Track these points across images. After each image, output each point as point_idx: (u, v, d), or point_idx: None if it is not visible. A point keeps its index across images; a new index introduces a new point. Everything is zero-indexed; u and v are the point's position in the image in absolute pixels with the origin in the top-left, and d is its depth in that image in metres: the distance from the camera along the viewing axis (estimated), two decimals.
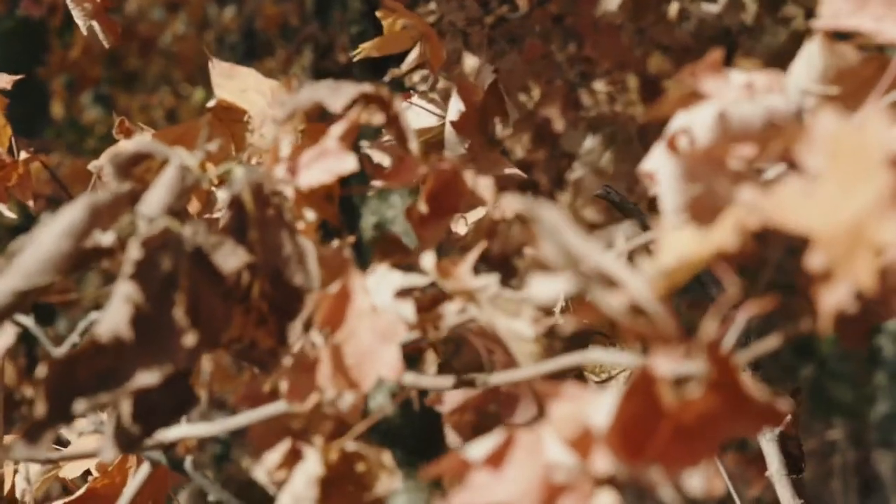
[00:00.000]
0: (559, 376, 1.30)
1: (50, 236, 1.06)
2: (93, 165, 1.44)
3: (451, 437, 3.86)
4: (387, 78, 1.60)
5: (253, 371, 1.17)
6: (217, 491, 1.41)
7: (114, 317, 1.04)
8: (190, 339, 1.05)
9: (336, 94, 1.20)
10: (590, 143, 3.53)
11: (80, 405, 1.02)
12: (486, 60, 3.58)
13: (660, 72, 4.12)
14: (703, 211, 0.99)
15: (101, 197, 1.08)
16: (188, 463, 1.40)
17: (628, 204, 2.20)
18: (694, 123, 1.04)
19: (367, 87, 1.21)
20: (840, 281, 0.86)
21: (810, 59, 1.16)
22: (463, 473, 0.93)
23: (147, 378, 1.03)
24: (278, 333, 1.15)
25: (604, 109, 3.67)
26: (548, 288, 0.93)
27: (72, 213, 1.06)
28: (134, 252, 1.06)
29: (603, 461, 0.89)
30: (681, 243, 0.92)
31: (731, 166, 1.02)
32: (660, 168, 1.04)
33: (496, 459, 0.93)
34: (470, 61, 3.54)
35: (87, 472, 1.55)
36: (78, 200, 1.07)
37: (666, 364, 0.89)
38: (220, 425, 1.35)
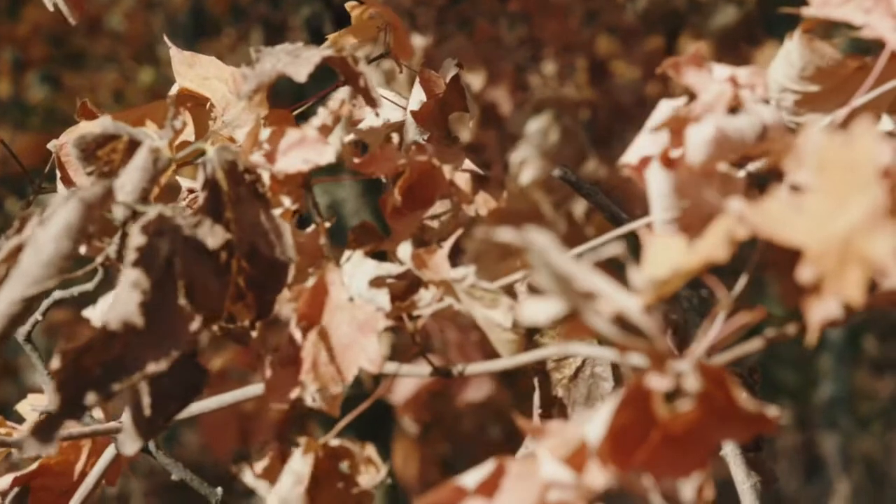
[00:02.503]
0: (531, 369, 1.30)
1: (48, 238, 1.05)
2: (52, 145, 1.43)
3: (407, 423, 3.85)
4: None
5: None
6: (179, 470, 1.40)
7: (124, 304, 1.03)
8: (195, 323, 1.05)
9: (299, 62, 1.19)
10: (535, 124, 3.53)
11: (91, 397, 1.02)
12: (433, 41, 3.58)
13: (608, 54, 4.12)
14: (694, 221, 1.00)
15: (92, 192, 1.07)
16: (151, 443, 1.39)
17: (585, 185, 2.19)
18: (690, 140, 1.03)
19: (329, 52, 1.21)
20: (830, 294, 0.86)
21: (789, 57, 1.16)
22: (456, 501, 0.93)
23: (157, 365, 1.03)
24: (257, 308, 1.15)
25: (551, 91, 3.67)
26: (540, 310, 0.93)
27: (67, 213, 1.06)
28: (136, 239, 1.05)
29: (597, 476, 0.90)
30: (670, 254, 0.92)
31: (721, 171, 1.02)
32: (652, 182, 1.04)
33: (489, 487, 0.93)
34: (418, 41, 3.53)
35: None
36: (70, 199, 1.06)
37: (658, 380, 0.89)
38: (192, 407, 1.34)
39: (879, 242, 0.85)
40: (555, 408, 1.30)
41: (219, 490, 1.37)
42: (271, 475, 1.19)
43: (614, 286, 0.91)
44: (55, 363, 1.02)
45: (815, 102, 1.17)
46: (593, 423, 0.90)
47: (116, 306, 1.04)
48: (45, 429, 1.02)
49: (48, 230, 1.05)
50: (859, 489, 6.42)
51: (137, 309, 1.04)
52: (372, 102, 1.19)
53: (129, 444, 1.07)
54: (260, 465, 1.20)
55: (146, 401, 1.07)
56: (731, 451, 1.57)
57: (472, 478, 0.93)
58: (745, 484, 1.52)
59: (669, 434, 0.90)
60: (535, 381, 1.31)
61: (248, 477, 1.21)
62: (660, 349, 0.90)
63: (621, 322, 0.91)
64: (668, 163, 1.04)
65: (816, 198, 0.88)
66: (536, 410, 1.32)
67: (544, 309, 0.92)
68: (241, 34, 4.44)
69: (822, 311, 0.87)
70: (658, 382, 0.89)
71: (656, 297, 0.92)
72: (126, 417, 1.07)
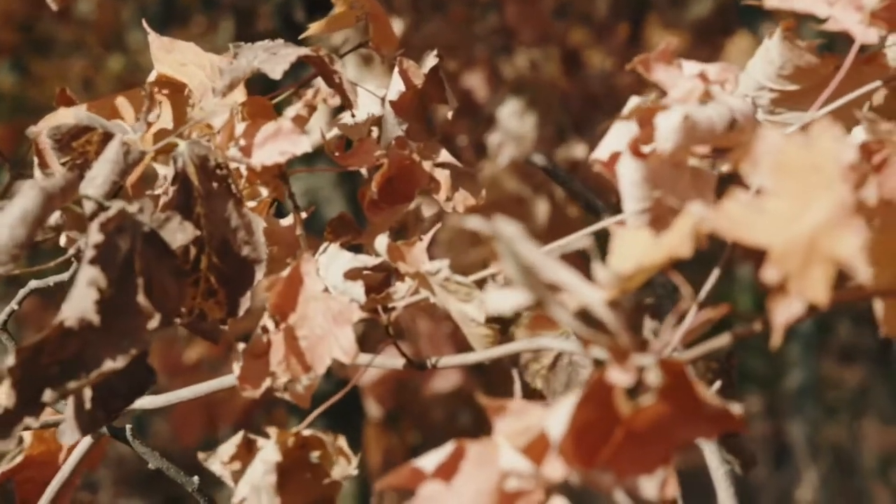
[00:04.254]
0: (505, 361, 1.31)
1: (3, 225, 1.04)
2: (30, 131, 1.42)
3: (372, 408, 3.84)
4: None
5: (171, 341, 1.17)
6: (156, 459, 1.40)
7: (80, 301, 1.03)
8: (153, 322, 1.04)
9: (276, 59, 1.20)
10: (510, 108, 3.52)
11: (48, 394, 1.02)
12: (409, 25, 3.57)
13: (581, 44, 4.12)
14: (665, 212, 1.00)
15: (53, 182, 1.07)
16: (128, 432, 1.39)
17: (559, 171, 2.20)
18: (659, 128, 1.03)
19: (306, 50, 1.21)
20: (794, 295, 0.86)
21: (768, 55, 1.16)
22: (414, 484, 0.93)
23: (115, 362, 1.03)
24: (228, 305, 1.15)
25: (525, 75, 3.67)
26: (505, 299, 0.93)
27: (25, 201, 1.05)
28: (94, 236, 1.05)
29: (556, 467, 0.90)
30: (636, 248, 0.92)
31: (691, 165, 1.03)
32: (622, 172, 1.04)
33: (448, 470, 0.92)
34: (395, 27, 3.51)
35: (20, 440, 1.54)
36: (29, 187, 1.06)
37: (620, 375, 0.89)
38: (165, 398, 1.34)
39: (845, 240, 0.85)
40: (535, 399, 1.30)
41: (195, 479, 1.37)
42: (238, 464, 1.19)
43: (579, 279, 0.91)
44: (11, 360, 1.02)
45: (792, 101, 1.18)
46: (555, 419, 0.89)
47: (73, 304, 1.03)
48: (3, 425, 1.02)
49: (4, 217, 1.04)
50: (827, 477, 6.45)
51: (94, 307, 1.03)
52: (348, 103, 1.20)
53: (69, 435, 1.06)
54: (226, 453, 1.20)
55: (90, 395, 1.06)
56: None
57: (431, 460, 0.93)
58: (719, 470, 1.53)
59: (633, 431, 0.89)
60: (514, 373, 1.32)
61: (215, 465, 1.21)
62: (622, 344, 0.90)
63: (586, 315, 0.91)
64: (639, 154, 1.05)
65: (778, 199, 0.88)
66: None
67: (509, 299, 0.93)
68: (211, 22, 4.42)
69: (786, 312, 0.87)
70: (619, 377, 0.89)
71: (621, 291, 0.92)
72: (69, 410, 1.07)
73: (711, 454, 1.51)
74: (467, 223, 0.93)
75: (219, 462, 1.19)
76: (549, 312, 0.91)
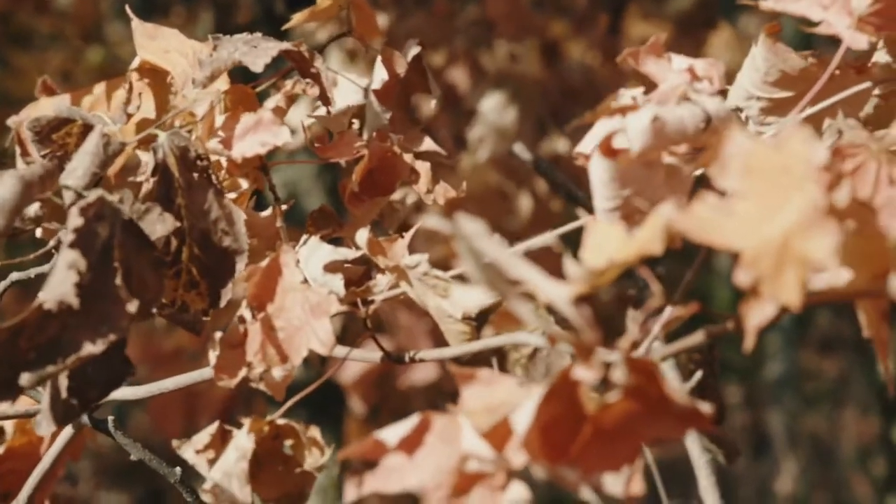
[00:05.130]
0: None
1: None
2: (12, 121, 1.42)
3: (356, 404, 3.83)
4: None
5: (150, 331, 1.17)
6: (138, 450, 1.40)
7: (60, 284, 1.02)
8: (132, 307, 1.04)
9: (257, 53, 1.20)
10: (491, 101, 3.52)
11: (25, 378, 1.01)
12: (393, 20, 3.57)
13: (560, 35, 4.12)
14: (636, 211, 1.00)
15: (31, 171, 1.07)
16: (110, 423, 1.39)
17: (542, 162, 2.19)
18: (629, 127, 1.03)
19: (287, 45, 1.21)
20: (767, 298, 0.86)
21: (754, 62, 1.16)
22: (378, 456, 0.92)
23: (93, 347, 1.02)
24: (210, 296, 1.15)
25: (507, 68, 3.67)
26: (470, 298, 0.93)
27: (2, 189, 1.05)
28: (74, 220, 1.04)
29: (517, 454, 0.89)
30: (607, 244, 0.92)
31: (667, 163, 1.03)
32: (593, 170, 1.04)
33: (411, 443, 0.92)
34: (380, 20, 3.51)
35: (1, 431, 1.54)
36: (7, 176, 1.06)
37: (584, 372, 0.89)
38: (146, 388, 1.34)
39: (818, 241, 0.84)
40: None
41: (177, 470, 1.36)
42: (211, 452, 1.19)
43: (544, 276, 0.91)
44: None
45: (782, 109, 1.18)
46: (520, 413, 0.89)
47: (52, 286, 1.03)
48: None
49: None
50: (806, 467, 6.47)
51: (73, 290, 1.02)
52: (325, 100, 1.19)
53: (45, 425, 1.06)
54: (201, 442, 1.20)
55: (66, 385, 1.06)
56: None
57: (395, 432, 0.92)
58: (700, 460, 1.53)
59: (600, 427, 0.89)
60: (494, 363, 1.32)
61: (189, 453, 1.21)
62: (587, 341, 0.90)
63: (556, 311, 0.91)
64: (610, 152, 1.04)
65: (748, 201, 0.87)
66: None
67: (474, 298, 0.92)
68: (190, 13, 4.40)
69: (759, 315, 0.86)
70: (584, 374, 0.89)
71: (591, 286, 0.91)
72: (44, 400, 1.07)
73: (693, 444, 1.52)
74: (427, 223, 0.92)
75: (192, 450, 1.19)
76: (512, 310, 0.90)
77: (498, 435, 0.90)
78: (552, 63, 3.90)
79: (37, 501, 1.40)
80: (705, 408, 0.88)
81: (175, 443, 1.20)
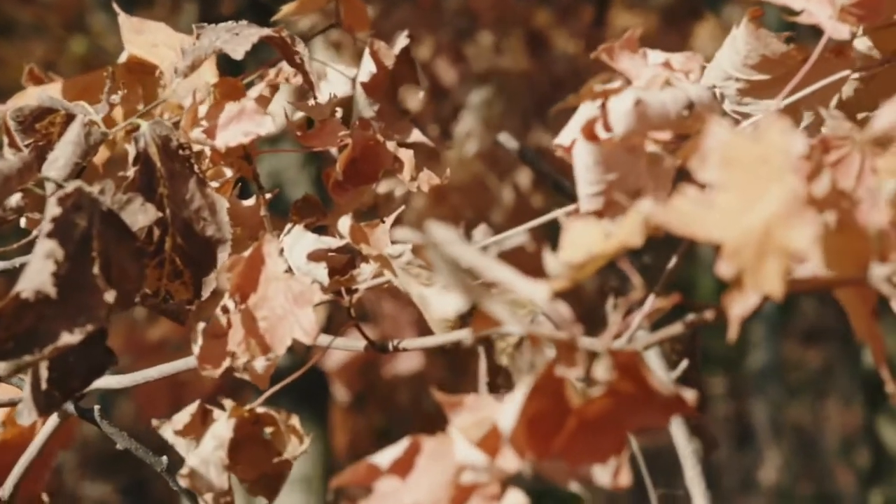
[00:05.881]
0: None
1: None
2: None
3: (340, 392, 3.83)
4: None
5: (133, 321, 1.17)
6: (125, 440, 1.40)
7: (37, 274, 1.02)
8: (109, 297, 1.03)
9: (238, 40, 1.20)
10: (478, 95, 3.52)
11: (2, 367, 1.01)
12: (380, 13, 3.57)
13: (545, 25, 4.12)
14: (619, 198, 1.00)
15: (10, 163, 1.06)
16: (96, 412, 1.39)
17: (527, 152, 2.19)
18: (611, 111, 1.03)
19: (268, 31, 1.21)
20: (749, 289, 0.86)
21: (735, 44, 1.16)
22: (371, 480, 0.93)
23: (71, 337, 1.02)
24: (194, 285, 1.15)
25: (490, 62, 3.67)
26: (446, 304, 0.93)
27: None
28: (52, 209, 1.04)
29: (510, 460, 0.90)
30: (587, 238, 0.92)
31: (649, 151, 1.02)
32: (577, 154, 1.04)
33: (403, 466, 0.93)
34: (368, 12, 3.50)
35: None
36: None
37: (566, 370, 0.89)
38: (130, 377, 1.34)
39: (798, 231, 0.85)
40: (500, 377, 1.31)
41: (164, 459, 1.36)
42: (191, 434, 1.19)
43: (519, 276, 0.91)
44: None
45: (759, 91, 1.18)
46: (505, 410, 0.89)
47: (29, 276, 1.02)
48: None
49: None
50: (790, 457, 6.49)
51: (50, 279, 1.02)
52: (310, 84, 1.19)
53: (27, 415, 1.06)
54: (181, 422, 1.20)
55: (47, 375, 1.06)
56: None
57: (386, 456, 0.93)
58: (686, 449, 1.54)
59: (585, 419, 0.89)
60: (481, 350, 1.32)
61: (168, 433, 1.20)
62: (568, 338, 0.90)
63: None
64: (593, 137, 1.04)
65: (728, 193, 0.87)
66: (483, 380, 1.32)
67: (450, 303, 0.92)
68: (175, 4, 4.39)
69: (742, 306, 0.87)
70: (566, 371, 0.89)
71: (571, 281, 0.91)
72: (26, 390, 1.07)
73: (678, 434, 1.52)
74: (396, 235, 0.92)
75: (171, 430, 1.19)
76: (489, 312, 0.90)
77: (489, 445, 0.91)
78: (537, 54, 3.90)
79: (32, 493, 1.39)
80: (689, 395, 0.88)
81: (154, 422, 1.20)
